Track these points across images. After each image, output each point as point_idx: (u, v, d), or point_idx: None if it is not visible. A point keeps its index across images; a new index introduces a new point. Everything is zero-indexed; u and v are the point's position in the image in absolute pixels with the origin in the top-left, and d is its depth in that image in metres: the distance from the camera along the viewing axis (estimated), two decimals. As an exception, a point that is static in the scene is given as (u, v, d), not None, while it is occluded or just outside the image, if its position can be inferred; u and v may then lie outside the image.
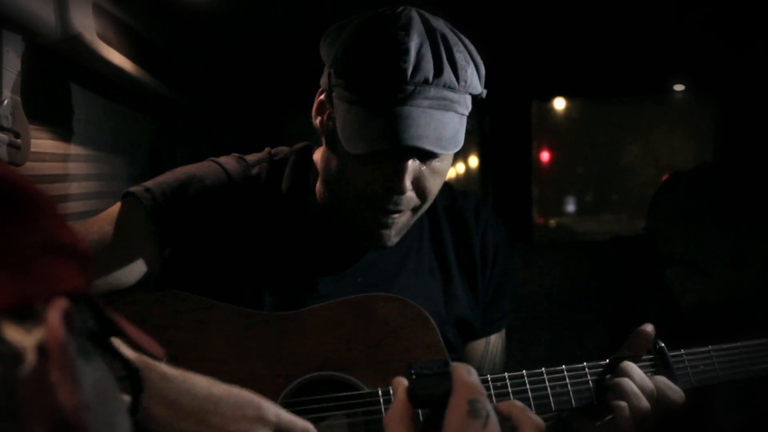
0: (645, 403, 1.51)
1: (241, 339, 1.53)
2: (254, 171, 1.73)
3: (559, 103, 5.98)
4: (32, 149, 1.74)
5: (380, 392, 1.53)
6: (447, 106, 1.52)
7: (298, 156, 1.78)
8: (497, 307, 1.87)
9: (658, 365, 1.61)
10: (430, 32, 1.54)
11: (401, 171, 1.52)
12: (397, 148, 1.51)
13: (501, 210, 3.64)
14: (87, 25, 1.83)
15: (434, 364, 1.04)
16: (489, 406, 0.94)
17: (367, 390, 1.54)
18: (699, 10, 2.84)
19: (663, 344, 1.62)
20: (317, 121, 1.67)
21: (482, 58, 1.63)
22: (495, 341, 1.89)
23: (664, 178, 3.15)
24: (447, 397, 0.98)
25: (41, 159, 1.89)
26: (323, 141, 1.67)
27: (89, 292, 0.67)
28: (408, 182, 1.53)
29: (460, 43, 1.57)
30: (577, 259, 3.33)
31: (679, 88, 3.68)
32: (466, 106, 1.58)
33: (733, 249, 2.66)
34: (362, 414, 1.51)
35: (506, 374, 1.56)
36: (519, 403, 1.03)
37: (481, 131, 3.72)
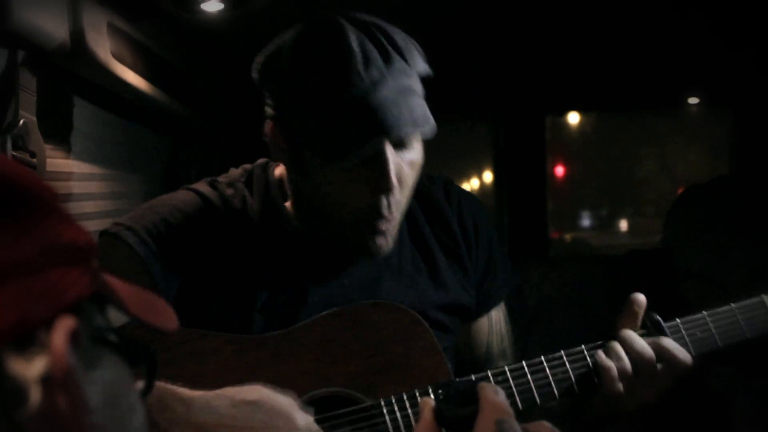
0: (627, 364, 1.53)
1: (236, 367, 1.49)
2: (228, 193, 1.68)
3: (573, 118, 5.97)
4: (48, 169, 1.75)
5: (383, 402, 1.50)
6: (407, 91, 1.48)
7: (259, 175, 1.74)
8: (492, 280, 1.83)
9: (655, 337, 1.59)
10: (363, 27, 1.51)
11: (386, 168, 1.47)
12: (377, 145, 1.47)
13: (516, 225, 3.63)
14: (101, 45, 1.84)
15: (461, 383, 1.04)
16: (516, 426, 0.93)
17: (369, 402, 1.51)
18: (712, 23, 2.83)
19: (658, 316, 1.62)
20: (276, 151, 1.63)
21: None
22: (496, 315, 1.86)
23: (680, 191, 3.14)
24: (474, 417, 0.98)
25: (57, 178, 1.90)
26: (288, 169, 1.64)
27: (95, 288, 0.64)
28: (394, 178, 1.49)
29: (392, 27, 1.54)
30: (593, 274, 3.31)
31: (693, 101, 3.67)
32: (421, 87, 1.55)
33: (750, 262, 2.64)
34: (367, 428, 1.49)
35: (506, 367, 1.55)
36: (547, 424, 1.02)
37: (496, 146, 3.72)
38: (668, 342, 1.57)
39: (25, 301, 0.54)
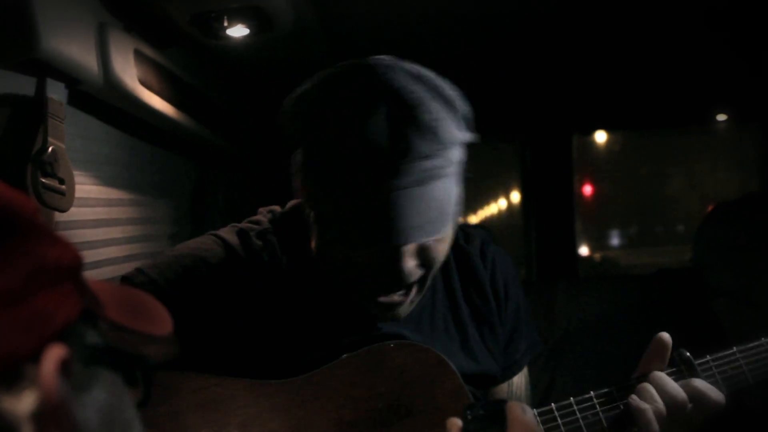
0: (662, 405, 1.43)
1: (256, 414, 1.44)
2: (257, 244, 1.61)
3: (600, 136, 5.95)
4: (77, 195, 1.76)
5: None
6: (428, 176, 1.36)
7: (289, 220, 1.66)
8: (516, 347, 1.78)
9: (686, 377, 1.52)
10: (390, 96, 1.36)
11: (397, 261, 1.41)
12: (380, 250, 1.40)
13: (544, 245, 3.62)
14: (128, 72, 1.86)
15: (489, 403, 1.04)
16: None
17: None
18: (740, 39, 2.82)
19: (688, 353, 1.54)
20: (299, 193, 1.54)
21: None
22: (517, 382, 1.81)
23: (710, 209, 3.11)
24: None
25: (86, 204, 1.91)
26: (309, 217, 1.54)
27: (84, 305, 0.61)
28: (407, 266, 1.42)
29: (427, 96, 1.39)
30: (622, 293, 3.29)
31: (721, 117, 3.64)
32: (450, 161, 1.41)
33: (782, 279, 2.62)
34: None
35: (535, 411, 1.44)
36: None
37: (522, 166, 3.71)
38: (700, 383, 1.49)
39: (11, 334, 0.52)
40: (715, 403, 1.48)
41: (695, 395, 1.48)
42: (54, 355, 0.54)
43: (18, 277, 0.53)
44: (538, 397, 2.93)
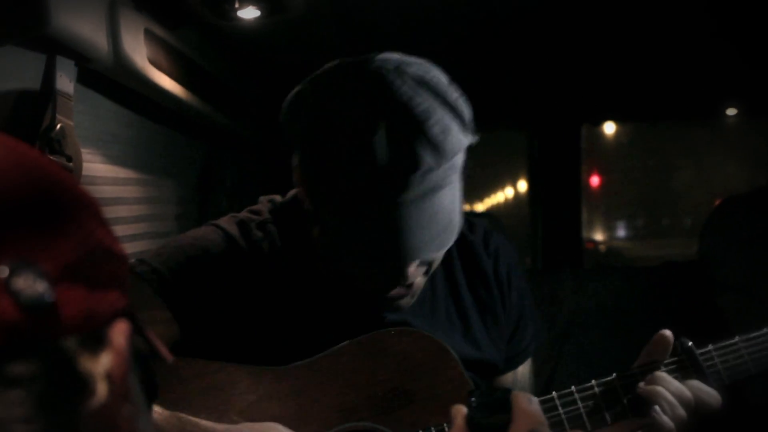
0: (681, 411, 1.42)
1: (257, 400, 1.45)
2: (257, 235, 1.61)
3: (609, 127, 5.95)
4: (84, 173, 1.76)
5: None
6: (435, 188, 1.35)
7: (290, 210, 1.65)
8: (521, 337, 1.78)
9: (687, 366, 1.51)
10: (398, 109, 1.33)
11: (401, 270, 1.42)
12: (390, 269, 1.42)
13: (550, 235, 3.62)
14: (138, 51, 1.85)
15: (495, 392, 1.03)
16: None
17: None
18: (751, 33, 2.81)
19: (690, 343, 1.52)
20: (300, 193, 1.54)
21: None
22: (522, 371, 1.81)
23: (717, 202, 3.10)
24: (507, 426, 0.97)
25: (93, 182, 1.91)
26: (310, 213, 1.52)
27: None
28: (410, 271, 1.42)
29: (434, 106, 1.36)
30: (628, 285, 3.29)
31: (731, 111, 3.63)
32: (456, 168, 1.41)
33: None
34: None
35: (536, 399, 1.47)
36: None
37: (531, 155, 3.70)
38: (696, 387, 1.47)
39: (93, 297, 0.55)
40: (709, 406, 1.46)
41: (694, 397, 1.46)
42: (122, 326, 0.57)
43: (97, 250, 0.57)
44: (541, 386, 2.94)
